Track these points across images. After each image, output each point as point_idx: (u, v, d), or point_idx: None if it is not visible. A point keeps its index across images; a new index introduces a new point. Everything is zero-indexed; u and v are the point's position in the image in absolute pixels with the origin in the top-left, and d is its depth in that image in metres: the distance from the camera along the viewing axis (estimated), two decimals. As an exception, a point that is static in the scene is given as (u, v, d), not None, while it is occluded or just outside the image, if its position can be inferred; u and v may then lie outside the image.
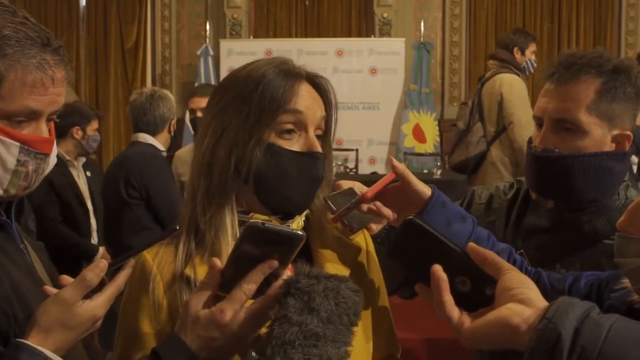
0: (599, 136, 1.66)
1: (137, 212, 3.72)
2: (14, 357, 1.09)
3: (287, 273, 1.14)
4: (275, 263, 1.11)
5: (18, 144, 1.23)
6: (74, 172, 4.39)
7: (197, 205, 1.32)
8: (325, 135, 1.40)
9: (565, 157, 1.66)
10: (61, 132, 4.21)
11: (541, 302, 1.02)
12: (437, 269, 1.08)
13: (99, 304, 1.16)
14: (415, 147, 9.05)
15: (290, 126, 1.31)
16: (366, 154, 9.09)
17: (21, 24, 1.20)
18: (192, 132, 4.79)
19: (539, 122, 1.72)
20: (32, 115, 1.23)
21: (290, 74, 1.33)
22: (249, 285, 1.10)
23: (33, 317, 1.14)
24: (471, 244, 1.09)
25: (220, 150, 1.30)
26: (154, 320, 1.28)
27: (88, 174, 4.50)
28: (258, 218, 1.31)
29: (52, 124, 1.31)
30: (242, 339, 1.11)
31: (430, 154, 8.89)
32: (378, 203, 1.44)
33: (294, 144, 1.32)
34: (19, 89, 1.19)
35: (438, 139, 9.34)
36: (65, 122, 4.24)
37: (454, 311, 1.06)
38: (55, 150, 1.34)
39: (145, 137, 3.85)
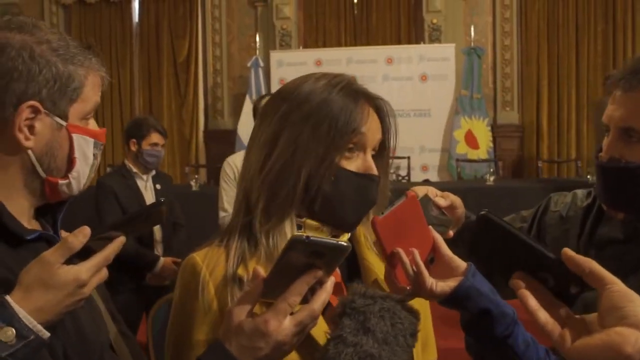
0: None
1: None
2: None
3: (332, 279, 1.12)
4: (320, 273, 1.10)
5: (93, 140, 1.33)
6: (141, 184, 4.42)
7: (255, 216, 1.33)
8: (380, 156, 1.41)
9: (633, 167, 1.58)
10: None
11: None
12: (524, 294, 1.03)
13: (81, 269, 1.16)
14: (468, 154, 8.96)
15: (352, 146, 1.33)
16: (418, 161, 9.05)
17: (61, 39, 1.30)
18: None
19: (607, 130, 1.67)
20: (94, 111, 1.35)
21: (359, 95, 1.35)
22: (294, 297, 1.09)
23: (18, 277, 1.15)
24: (566, 250, 1.02)
25: (292, 167, 1.31)
26: (204, 323, 1.29)
27: (158, 186, 4.49)
28: (310, 226, 1.33)
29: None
30: (285, 347, 1.11)
31: (484, 160, 8.76)
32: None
33: (352, 163, 1.34)
34: (92, 90, 1.31)
35: (491, 145, 9.23)
36: (126, 133, 4.43)
37: (549, 324, 1.01)
38: None
39: None
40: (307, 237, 1.05)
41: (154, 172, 4.54)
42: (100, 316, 1.42)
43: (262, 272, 1.12)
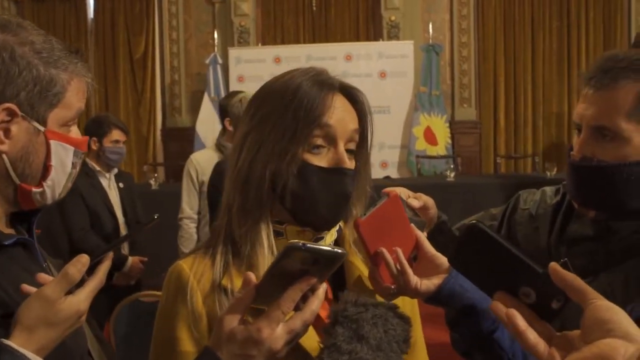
0: None
1: None
2: None
3: (324, 286, 1.10)
4: (314, 280, 1.08)
5: (73, 148, 1.30)
6: (104, 182, 4.39)
7: (232, 218, 1.31)
8: (360, 148, 1.38)
9: (605, 167, 1.59)
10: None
11: None
12: (512, 314, 1.01)
13: (81, 299, 1.16)
14: (427, 150, 9.03)
15: (320, 141, 1.29)
16: (378, 158, 9.07)
17: (46, 41, 1.26)
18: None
19: (578, 128, 1.67)
20: (77, 118, 1.31)
21: (324, 86, 1.31)
22: (287, 304, 1.07)
23: (16, 315, 1.12)
24: (553, 264, 1.01)
25: (257, 165, 1.28)
26: (193, 329, 1.27)
27: (121, 185, 4.48)
28: (291, 231, 1.30)
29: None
30: (277, 355, 1.09)
31: (442, 157, 8.86)
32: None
33: (323, 159, 1.29)
34: (75, 96, 1.28)
35: (450, 141, 9.33)
36: (85, 132, 4.28)
37: (539, 345, 1.00)
38: None
39: None
40: (304, 244, 1.03)
41: (116, 171, 4.52)
42: None
43: (254, 278, 1.10)
